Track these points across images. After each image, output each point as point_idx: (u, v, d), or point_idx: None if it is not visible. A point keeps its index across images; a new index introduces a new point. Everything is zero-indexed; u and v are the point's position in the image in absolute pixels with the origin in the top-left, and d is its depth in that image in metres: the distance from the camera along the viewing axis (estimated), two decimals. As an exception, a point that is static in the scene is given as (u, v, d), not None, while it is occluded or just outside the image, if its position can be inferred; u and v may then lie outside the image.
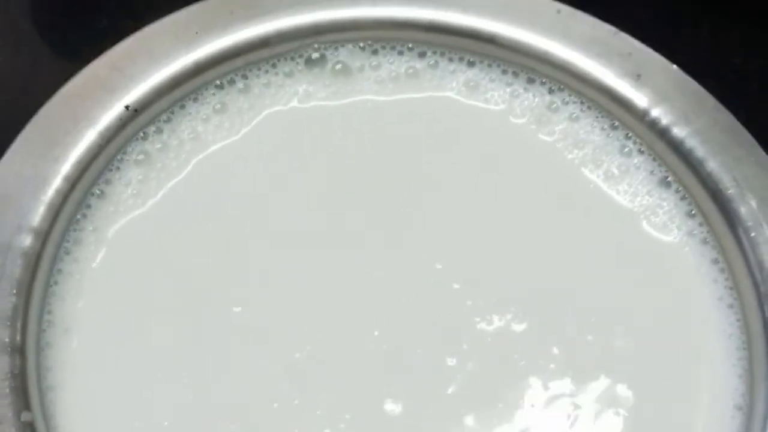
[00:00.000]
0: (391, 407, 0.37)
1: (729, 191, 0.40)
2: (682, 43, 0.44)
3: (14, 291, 0.37)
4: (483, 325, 0.39)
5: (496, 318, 0.39)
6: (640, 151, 0.42)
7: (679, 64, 0.43)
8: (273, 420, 0.37)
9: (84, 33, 0.49)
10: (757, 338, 0.39)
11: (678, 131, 0.41)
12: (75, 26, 0.50)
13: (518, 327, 0.39)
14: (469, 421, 0.37)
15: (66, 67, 0.43)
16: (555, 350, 0.39)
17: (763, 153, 0.41)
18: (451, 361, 0.38)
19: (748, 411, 0.38)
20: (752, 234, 0.40)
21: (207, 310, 0.39)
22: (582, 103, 0.43)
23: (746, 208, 0.40)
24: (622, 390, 0.38)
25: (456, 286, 0.40)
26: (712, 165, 0.41)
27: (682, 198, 0.42)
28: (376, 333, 0.38)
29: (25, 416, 0.35)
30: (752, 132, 0.42)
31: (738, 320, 0.40)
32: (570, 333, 0.39)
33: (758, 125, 0.42)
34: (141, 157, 0.41)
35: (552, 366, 0.39)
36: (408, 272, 0.40)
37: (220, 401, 0.37)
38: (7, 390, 0.35)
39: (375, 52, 0.44)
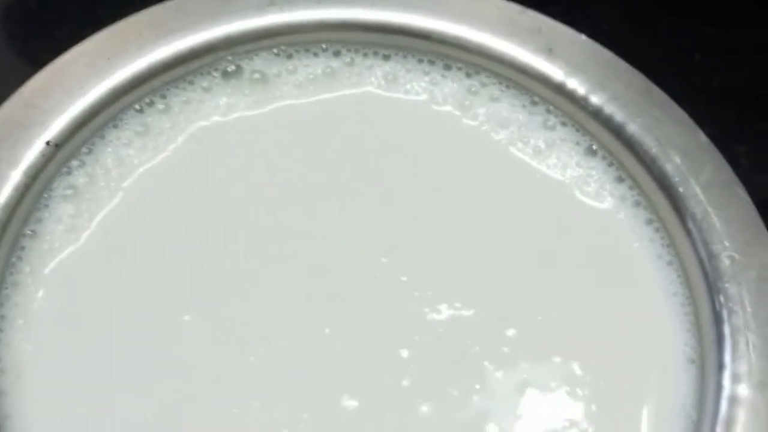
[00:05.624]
0: (348, 403, 0.40)
1: (652, 151, 0.43)
2: (642, 43, 0.47)
3: (-41, 342, 0.39)
4: (433, 315, 0.41)
5: (445, 307, 0.42)
6: (563, 124, 0.45)
7: (639, 64, 0.45)
8: (233, 425, 0.39)
9: (45, 41, 0.51)
10: (698, 290, 0.42)
11: (596, 99, 0.44)
12: (37, 34, 0.52)
13: (468, 314, 0.42)
14: (426, 410, 0.40)
15: (30, 74, 0.44)
16: (507, 333, 0.41)
17: (680, 110, 0.44)
18: (404, 353, 0.41)
19: (700, 363, 0.41)
20: (680, 189, 0.43)
21: (155, 328, 0.41)
22: (500, 83, 0.46)
23: (671, 165, 0.43)
24: (575, 364, 0.41)
25: (403, 278, 0.42)
26: (633, 128, 0.44)
27: (610, 164, 0.45)
28: (327, 331, 0.41)
29: (-11, 467, 0.37)
30: (713, 128, 0.44)
31: (679, 276, 0.43)
32: (519, 314, 0.42)
33: (719, 121, 0.45)
34: (69, 191, 0.43)
35: (505, 349, 0.41)
36: (354, 268, 0.42)
37: (182, 412, 0.39)
38: (-34, 442, 0.37)
39: (290, 56, 0.46)
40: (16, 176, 0.42)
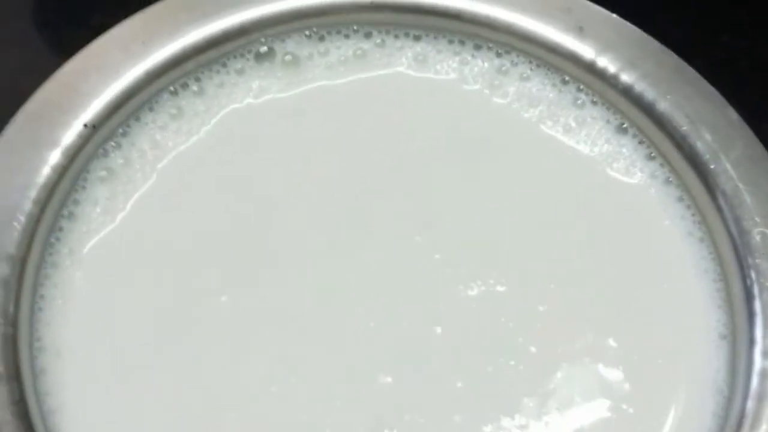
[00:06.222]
0: (383, 380, 0.40)
1: (683, 128, 0.44)
2: (669, 24, 0.47)
3: (1, 321, 0.39)
4: (467, 292, 0.42)
5: (478, 284, 0.42)
6: (594, 102, 0.46)
7: (667, 45, 0.46)
8: (271, 403, 0.40)
9: (78, 29, 0.51)
10: (729, 266, 0.42)
11: (626, 77, 0.45)
12: (69, 23, 0.53)
13: (501, 290, 0.42)
14: (461, 386, 0.40)
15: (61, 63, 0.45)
16: (540, 309, 0.42)
17: (711, 87, 0.44)
18: (438, 330, 0.41)
19: (732, 339, 0.42)
20: (711, 166, 0.43)
21: (193, 308, 0.41)
22: (530, 62, 0.46)
23: (702, 142, 0.43)
24: (608, 340, 0.41)
25: (437, 256, 0.43)
26: (664, 105, 0.44)
27: (640, 142, 0.45)
28: (361, 309, 0.41)
29: (31, 441, 0.38)
30: (740, 108, 0.44)
31: (710, 253, 0.43)
32: (551, 290, 0.42)
33: (746, 102, 0.45)
34: (104, 173, 0.43)
35: (539, 325, 0.41)
36: (387, 247, 0.43)
37: (219, 392, 0.40)
38: (10, 416, 0.38)
39: (321, 38, 0.47)
40: (54, 157, 0.42)
